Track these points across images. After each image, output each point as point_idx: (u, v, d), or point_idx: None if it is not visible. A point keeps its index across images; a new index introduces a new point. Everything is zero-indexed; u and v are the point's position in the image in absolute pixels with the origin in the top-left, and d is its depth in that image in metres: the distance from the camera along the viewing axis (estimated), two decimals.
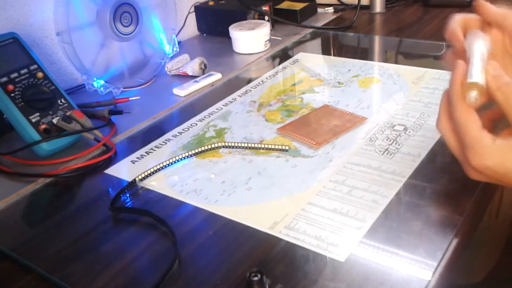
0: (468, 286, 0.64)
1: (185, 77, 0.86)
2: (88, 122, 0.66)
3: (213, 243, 0.48)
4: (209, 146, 0.62)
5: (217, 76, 0.84)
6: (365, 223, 0.47)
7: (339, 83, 0.76)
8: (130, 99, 0.79)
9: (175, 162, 0.60)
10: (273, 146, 0.60)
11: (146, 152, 0.64)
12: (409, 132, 0.61)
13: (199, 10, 1.06)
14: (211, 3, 1.05)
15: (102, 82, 0.81)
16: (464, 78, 0.44)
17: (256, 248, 0.46)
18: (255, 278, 0.39)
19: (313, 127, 0.64)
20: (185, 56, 0.88)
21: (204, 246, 0.47)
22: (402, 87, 0.73)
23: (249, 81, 0.82)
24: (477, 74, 0.44)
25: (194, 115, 0.72)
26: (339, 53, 0.91)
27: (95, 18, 0.78)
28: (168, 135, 0.68)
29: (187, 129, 0.69)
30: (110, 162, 0.63)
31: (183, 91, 0.79)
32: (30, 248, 0.50)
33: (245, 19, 0.98)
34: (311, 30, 1.01)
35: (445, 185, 0.52)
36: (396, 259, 0.43)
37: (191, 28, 1.08)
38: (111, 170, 0.61)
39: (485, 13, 0.53)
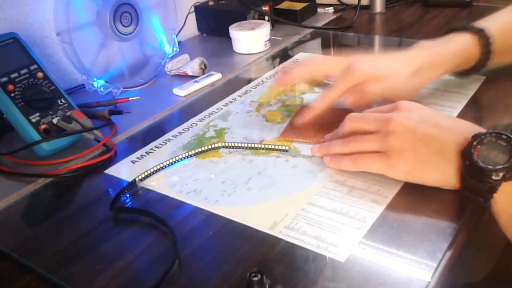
0: (468, 286, 0.64)
1: (185, 77, 0.86)
2: (88, 122, 0.66)
3: (213, 243, 0.48)
4: (209, 146, 0.62)
5: (217, 76, 0.84)
6: (365, 223, 0.47)
7: None
8: (130, 99, 0.79)
9: (175, 162, 0.60)
10: (273, 146, 0.60)
11: (146, 152, 0.64)
12: None
13: (199, 10, 1.06)
14: (211, 3, 1.05)
15: (102, 82, 0.81)
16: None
17: (256, 248, 0.46)
18: (255, 278, 0.39)
19: (313, 127, 0.63)
20: (185, 56, 0.88)
21: (204, 246, 0.47)
22: None
23: (249, 81, 0.82)
24: None
25: (194, 115, 0.72)
26: (339, 53, 0.91)
27: (95, 18, 0.78)
28: (168, 135, 0.68)
29: (187, 129, 0.69)
30: (110, 162, 0.63)
31: (183, 91, 0.79)
32: (30, 248, 0.50)
33: (245, 19, 0.98)
34: (311, 30, 1.01)
35: None
36: (396, 259, 0.43)
37: (191, 28, 1.08)
38: (111, 170, 0.61)
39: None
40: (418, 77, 0.62)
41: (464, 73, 0.68)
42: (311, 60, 0.68)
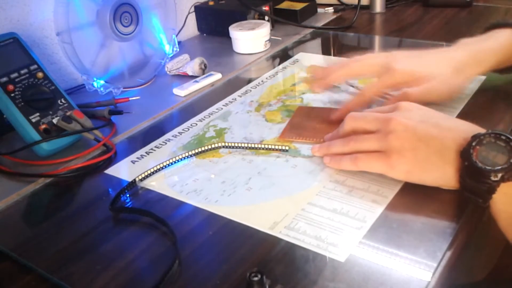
0: (468, 286, 0.64)
1: (185, 77, 0.86)
2: (88, 122, 0.66)
3: (213, 243, 0.48)
4: (209, 146, 0.62)
5: (217, 76, 0.84)
6: (365, 223, 0.47)
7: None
8: (130, 99, 0.79)
9: (175, 162, 0.60)
10: (273, 146, 0.60)
11: (146, 152, 0.64)
12: None
13: (199, 10, 1.06)
14: (211, 3, 1.05)
15: (102, 82, 0.81)
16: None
17: (256, 248, 0.46)
18: (255, 278, 0.39)
19: (313, 127, 0.63)
20: (185, 56, 0.88)
21: (204, 246, 0.47)
22: None
23: (249, 81, 0.82)
24: None
25: (194, 115, 0.72)
26: (339, 53, 0.91)
27: (95, 18, 0.78)
28: (168, 135, 0.68)
29: (187, 129, 0.69)
30: (110, 162, 0.63)
31: (183, 91, 0.79)
32: (30, 248, 0.50)
33: (245, 19, 0.98)
34: (311, 30, 1.01)
35: None
36: (396, 259, 0.43)
37: (191, 28, 1.08)
38: (111, 170, 0.61)
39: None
40: (460, 75, 0.61)
41: (507, 70, 0.67)
42: (347, 61, 0.67)
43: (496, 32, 0.64)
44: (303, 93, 0.74)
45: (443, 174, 0.49)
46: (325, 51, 0.94)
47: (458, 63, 0.61)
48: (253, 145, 0.61)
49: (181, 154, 0.61)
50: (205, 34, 1.08)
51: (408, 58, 0.63)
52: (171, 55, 0.91)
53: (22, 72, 0.66)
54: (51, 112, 0.66)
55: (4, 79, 0.64)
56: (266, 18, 1.00)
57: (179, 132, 0.68)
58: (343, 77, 0.67)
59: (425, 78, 0.60)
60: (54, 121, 0.65)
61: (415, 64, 0.62)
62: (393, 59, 0.62)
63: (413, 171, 0.49)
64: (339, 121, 0.58)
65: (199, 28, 1.08)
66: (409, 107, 0.53)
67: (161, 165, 0.59)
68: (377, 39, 0.96)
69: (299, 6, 1.05)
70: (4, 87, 0.64)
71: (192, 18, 1.07)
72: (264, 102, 0.74)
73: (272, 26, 1.02)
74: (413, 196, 0.50)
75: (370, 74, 0.65)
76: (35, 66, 0.67)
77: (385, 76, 0.61)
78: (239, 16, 0.98)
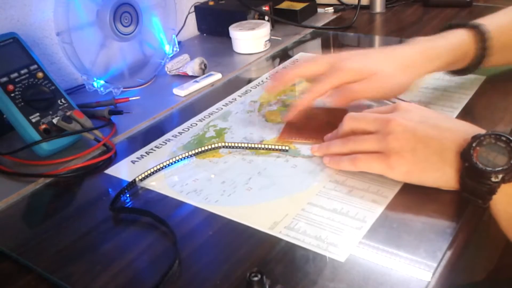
0: (468, 286, 0.64)
1: (185, 77, 0.86)
2: (88, 122, 0.66)
3: (213, 243, 0.48)
4: (209, 146, 0.62)
5: (217, 76, 0.84)
6: (365, 223, 0.47)
7: None
8: (130, 99, 0.79)
9: (175, 162, 0.60)
10: (273, 146, 0.60)
11: (146, 152, 0.64)
12: None
13: (199, 10, 1.06)
14: (211, 3, 1.05)
15: (102, 82, 0.81)
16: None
17: (256, 248, 0.46)
18: (255, 278, 0.39)
19: (311, 127, 0.63)
20: (185, 56, 0.88)
21: (204, 246, 0.47)
22: None
23: (249, 81, 0.82)
24: None
25: (194, 115, 0.72)
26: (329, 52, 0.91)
27: (95, 18, 0.79)
28: (168, 135, 0.68)
29: (187, 129, 0.69)
30: (110, 162, 0.63)
31: (183, 91, 0.79)
32: (30, 248, 0.50)
33: (245, 19, 0.98)
34: (311, 30, 1.01)
35: None
36: (396, 259, 0.43)
37: (191, 28, 1.08)
38: (111, 170, 0.61)
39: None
40: (407, 73, 0.60)
41: (461, 72, 0.67)
42: (300, 62, 0.67)
43: (449, 32, 0.64)
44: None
45: (442, 175, 0.49)
46: (325, 51, 0.94)
47: (406, 60, 0.61)
48: (253, 145, 0.61)
49: (181, 154, 0.61)
50: (205, 34, 1.08)
51: (355, 56, 0.63)
52: (171, 55, 0.91)
53: (22, 72, 0.66)
54: (51, 112, 0.66)
55: (4, 79, 0.64)
56: (266, 18, 1.00)
57: (179, 132, 0.68)
58: (295, 77, 0.66)
59: (371, 74, 0.59)
60: (54, 121, 0.65)
61: (362, 61, 0.61)
62: (341, 59, 0.62)
63: (412, 172, 0.49)
64: (337, 121, 0.58)
65: (199, 28, 1.08)
66: (408, 107, 0.53)
67: (161, 165, 0.59)
68: (377, 39, 0.96)
69: (299, 6, 1.05)
70: (4, 87, 0.64)
71: (192, 18, 1.07)
72: (264, 102, 0.74)
73: (272, 26, 1.02)
74: (413, 196, 0.50)
75: (319, 74, 0.64)
76: (35, 66, 0.67)
77: (333, 75, 0.61)
78: (239, 16, 0.98)
